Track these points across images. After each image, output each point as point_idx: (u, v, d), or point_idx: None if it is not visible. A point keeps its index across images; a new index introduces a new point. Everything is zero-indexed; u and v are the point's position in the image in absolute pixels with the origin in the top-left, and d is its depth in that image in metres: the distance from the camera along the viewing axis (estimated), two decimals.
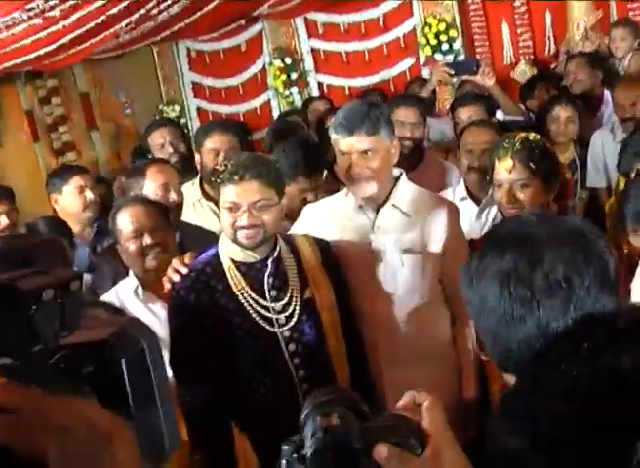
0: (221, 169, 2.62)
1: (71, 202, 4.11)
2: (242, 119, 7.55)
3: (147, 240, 2.97)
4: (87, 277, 3.54)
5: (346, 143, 2.76)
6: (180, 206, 3.50)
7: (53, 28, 4.81)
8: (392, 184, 2.89)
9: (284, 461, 1.04)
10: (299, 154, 3.43)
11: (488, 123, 3.95)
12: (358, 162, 2.76)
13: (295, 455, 1.03)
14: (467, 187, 3.66)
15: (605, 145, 4.51)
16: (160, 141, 4.51)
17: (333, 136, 2.82)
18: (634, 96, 4.36)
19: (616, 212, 3.12)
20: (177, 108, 8.20)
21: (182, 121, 8.01)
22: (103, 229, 4.01)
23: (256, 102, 7.97)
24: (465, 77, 5.24)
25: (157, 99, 8.27)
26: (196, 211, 3.91)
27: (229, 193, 2.58)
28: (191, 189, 3.93)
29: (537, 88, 5.64)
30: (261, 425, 2.66)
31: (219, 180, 2.60)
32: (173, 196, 3.44)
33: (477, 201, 3.59)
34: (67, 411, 0.54)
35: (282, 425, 2.63)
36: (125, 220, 3.01)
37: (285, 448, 1.05)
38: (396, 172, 2.93)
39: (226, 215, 2.61)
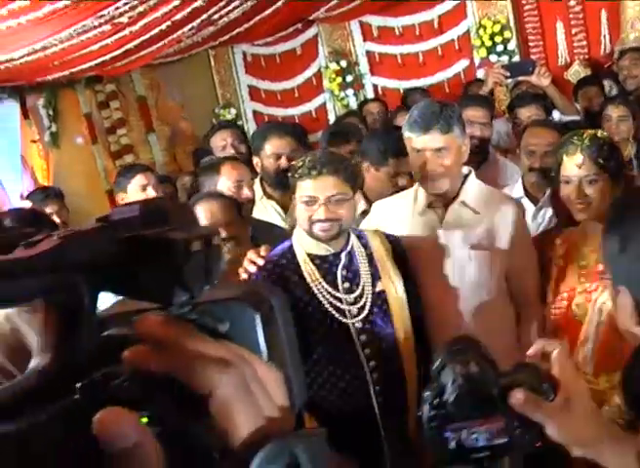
0: (299, 164, 2.72)
1: (135, 199, 4.19)
2: (297, 122, 7.60)
3: (222, 234, 3.06)
4: None
5: (421, 141, 2.85)
6: (252, 201, 3.60)
7: (120, 34, 4.96)
8: (461, 181, 2.97)
9: (426, 406, 1.12)
10: (387, 139, 3.56)
11: (550, 123, 3.99)
12: (432, 159, 2.84)
13: (436, 401, 1.11)
14: (525, 187, 3.70)
15: None
16: (222, 143, 4.64)
17: (407, 134, 2.91)
18: None
19: None
20: (233, 111, 8.31)
21: (238, 124, 8.13)
22: None
23: (311, 105, 8.06)
24: (521, 78, 5.27)
25: (213, 103, 8.40)
26: (258, 209, 4.01)
27: (307, 187, 2.68)
28: (257, 186, 4.04)
29: (586, 87, 5.64)
30: (332, 414, 2.75)
31: (296, 175, 2.70)
32: (246, 192, 3.55)
33: (534, 201, 3.63)
34: (224, 347, 0.57)
35: (352, 414, 2.76)
36: (200, 215, 3.09)
37: (426, 393, 1.13)
38: (465, 169, 3.01)
39: (303, 209, 2.71)
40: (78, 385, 0.50)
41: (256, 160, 4.13)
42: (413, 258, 2.95)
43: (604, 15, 6.84)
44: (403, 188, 3.48)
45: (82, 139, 7.63)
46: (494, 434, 1.11)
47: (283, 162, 3.90)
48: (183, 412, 0.53)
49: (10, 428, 0.45)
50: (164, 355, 0.53)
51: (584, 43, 6.96)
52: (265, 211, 3.99)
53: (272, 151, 4.02)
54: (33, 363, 0.52)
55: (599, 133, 2.84)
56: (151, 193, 4.17)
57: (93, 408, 0.47)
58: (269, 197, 4.04)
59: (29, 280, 0.48)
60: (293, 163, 2.81)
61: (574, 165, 2.76)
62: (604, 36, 6.88)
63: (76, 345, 0.52)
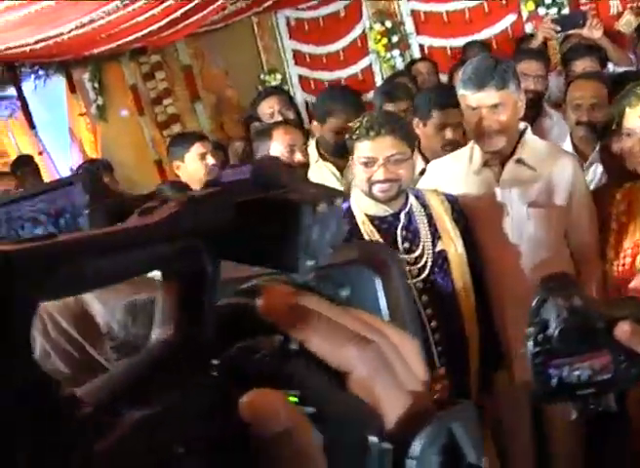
0: (356, 125, 2.71)
1: (195, 168, 4.21)
2: (344, 84, 7.55)
3: None
4: None
5: (476, 98, 2.81)
6: (306, 166, 3.61)
7: (166, 4, 4.96)
8: (517, 138, 2.93)
9: (530, 342, 1.08)
10: (431, 92, 3.64)
11: (596, 75, 3.90)
12: (488, 116, 2.80)
13: (540, 336, 1.08)
14: (573, 143, 3.64)
15: None
16: (269, 111, 4.63)
17: (461, 91, 2.87)
18: None
19: None
20: (278, 77, 8.26)
21: (284, 88, 8.11)
22: None
23: (357, 67, 7.95)
24: (572, 31, 5.16)
25: (258, 69, 8.35)
26: (313, 171, 4.02)
27: (365, 148, 2.67)
28: (312, 150, 4.04)
29: None
30: None
31: (354, 137, 2.69)
32: (299, 156, 3.55)
33: (584, 157, 3.57)
34: (359, 320, 0.53)
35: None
36: None
37: (530, 329, 1.09)
38: (521, 125, 2.97)
39: (361, 170, 2.71)
40: (215, 362, 0.46)
41: (315, 123, 4.14)
42: (471, 217, 2.94)
43: None
44: (452, 142, 3.52)
45: (128, 112, 7.71)
46: (597, 370, 1.08)
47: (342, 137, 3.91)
48: (334, 392, 0.48)
49: (144, 413, 0.40)
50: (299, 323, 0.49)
51: None
52: (321, 173, 4.00)
53: (333, 126, 4.01)
54: (153, 335, 0.48)
55: None
56: (210, 161, 4.18)
57: (233, 387, 0.43)
58: (325, 159, 4.05)
59: (148, 249, 0.44)
60: (350, 124, 2.79)
61: (636, 116, 2.70)
62: None
63: (201, 317, 0.48)
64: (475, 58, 2.95)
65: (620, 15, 6.69)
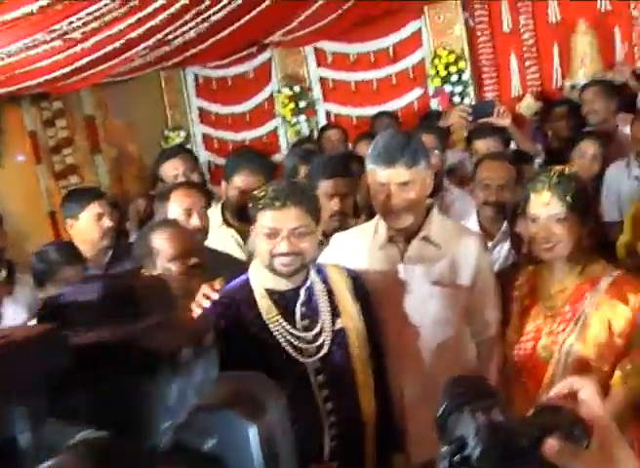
0: (261, 194, 2.58)
1: (89, 229, 4.00)
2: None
3: (193, 260, 2.90)
4: None
5: (385, 175, 2.73)
6: (204, 231, 3.47)
7: (71, 51, 4.78)
8: (424, 215, 2.87)
9: (445, 463, 0.96)
10: (321, 161, 3.68)
11: (503, 156, 3.92)
12: (396, 193, 2.73)
13: (457, 456, 0.95)
14: (480, 222, 3.63)
15: (620, 181, 4.48)
16: (173, 172, 4.46)
17: (370, 166, 2.79)
18: None
19: None
20: (182, 134, 8.18)
21: (187, 147, 7.99)
22: (119, 254, 3.96)
23: (263, 130, 7.93)
24: (482, 120, 5.22)
25: (162, 125, 8.26)
26: (216, 236, 3.88)
27: (269, 219, 2.55)
28: (211, 215, 3.91)
29: (557, 119, 5.62)
30: None
31: (258, 206, 2.57)
32: (195, 221, 3.41)
33: (489, 236, 3.55)
34: None
35: (308, 457, 2.62)
36: (164, 242, 2.93)
37: (444, 449, 0.97)
38: (428, 202, 2.92)
39: (264, 241, 2.57)
40: None
41: (224, 185, 4.03)
42: (373, 294, 2.85)
43: (556, 49, 6.84)
44: (339, 212, 3.49)
45: (24, 158, 7.41)
46: None
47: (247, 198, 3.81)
48: None
49: None
50: None
51: (537, 75, 6.96)
52: (223, 239, 3.87)
53: (239, 185, 3.91)
54: None
55: (567, 169, 2.76)
56: (107, 223, 3.98)
57: None
58: (229, 225, 3.91)
59: None
60: (254, 192, 2.67)
61: (541, 203, 2.67)
62: (556, 70, 6.89)
63: None
64: (387, 132, 2.88)
65: (520, 98, 6.89)
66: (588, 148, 4.54)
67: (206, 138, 8.23)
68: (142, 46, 5.19)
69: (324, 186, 3.52)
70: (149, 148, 7.50)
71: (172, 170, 4.48)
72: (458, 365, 2.91)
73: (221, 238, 3.85)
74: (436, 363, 2.87)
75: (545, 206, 2.66)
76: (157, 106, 8.27)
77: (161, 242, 2.95)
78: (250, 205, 2.63)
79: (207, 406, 0.50)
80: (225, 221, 3.91)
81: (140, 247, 3.00)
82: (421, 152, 2.76)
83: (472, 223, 3.63)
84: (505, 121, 4.90)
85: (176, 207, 3.45)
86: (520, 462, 0.95)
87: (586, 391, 1.04)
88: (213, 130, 8.20)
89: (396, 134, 2.88)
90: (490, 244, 3.51)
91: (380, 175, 2.74)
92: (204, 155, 8.02)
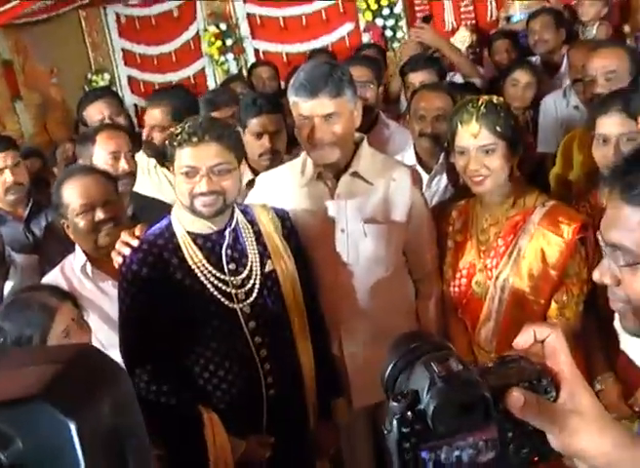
0: (177, 131, 2.42)
1: None
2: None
3: (100, 214, 2.78)
4: (20, 258, 3.29)
5: (308, 107, 2.59)
6: (132, 175, 3.33)
7: None
8: (353, 150, 2.75)
9: (396, 421, 0.84)
10: (249, 99, 3.52)
11: (440, 86, 3.79)
12: (321, 127, 2.60)
13: (409, 414, 0.84)
14: (417, 154, 3.53)
15: (558, 110, 4.41)
16: (98, 117, 4.23)
17: (292, 98, 2.64)
18: (587, 56, 4.23)
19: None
20: (106, 77, 7.93)
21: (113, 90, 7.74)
22: (40, 204, 3.78)
23: (190, 70, 7.71)
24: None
25: (85, 68, 7.98)
26: (151, 179, 3.72)
27: (186, 156, 2.39)
28: (143, 157, 3.74)
29: (498, 52, 5.52)
30: (222, 409, 2.54)
31: (174, 143, 2.40)
32: (124, 165, 3.27)
33: (427, 168, 3.46)
34: None
35: (244, 409, 2.54)
36: (73, 194, 2.80)
37: (395, 404, 0.84)
38: (357, 136, 2.79)
39: (183, 181, 2.42)
40: None
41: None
42: (304, 234, 2.74)
43: None
44: (270, 150, 3.40)
45: None
46: (482, 448, 0.86)
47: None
48: None
49: None
50: None
51: (471, 8, 6.86)
52: (159, 182, 3.72)
53: (149, 122, 3.80)
54: None
55: (495, 99, 2.65)
56: (8, 178, 3.65)
57: None
58: (163, 165, 3.73)
59: None
60: (171, 130, 2.51)
61: (469, 134, 2.57)
62: (490, 2, 6.81)
63: None
64: (309, 62, 2.75)
65: (454, 31, 6.78)
66: (521, 77, 4.46)
67: (131, 81, 7.98)
68: None
69: (253, 124, 3.39)
70: (73, 93, 7.22)
71: (96, 114, 4.26)
72: (396, 303, 2.87)
73: (157, 180, 3.71)
74: (374, 302, 2.81)
75: (474, 137, 2.56)
76: (79, 49, 7.99)
77: (69, 193, 2.82)
78: (167, 143, 2.47)
79: (8, 400, 0.37)
80: (159, 162, 3.73)
81: (55, 198, 2.87)
82: (347, 82, 2.62)
83: (409, 156, 3.54)
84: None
85: (101, 150, 3.31)
86: (480, 417, 0.85)
87: (552, 339, 0.94)
88: (138, 72, 7.95)
89: (319, 64, 2.74)
90: (427, 177, 3.41)
91: (303, 107, 2.60)
92: (130, 98, 7.77)
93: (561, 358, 0.93)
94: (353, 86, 2.68)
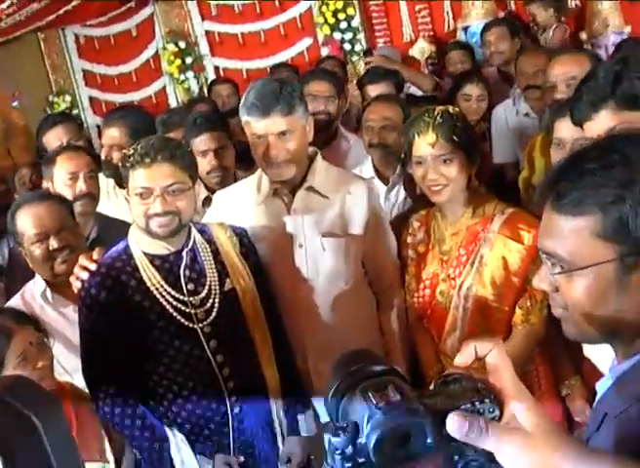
0: (130, 152, 2.40)
1: None
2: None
3: (54, 244, 2.74)
4: None
5: (261, 126, 2.60)
6: (91, 196, 3.30)
7: None
8: (307, 165, 2.76)
9: (338, 457, 0.82)
10: (195, 115, 3.57)
11: (391, 98, 3.81)
12: (275, 145, 2.60)
13: (350, 448, 0.81)
14: (375, 166, 3.54)
15: (509, 119, 4.43)
16: (57, 143, 4.21)
17: (245, 118, 2.64)
18: (538, 64, 4.22)
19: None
20: (68, 98, 7.90)
21: (75, 112, 7.69)
22: (3, 230, 3.74)
23: (150, 89, 7.70)
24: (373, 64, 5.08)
25: (46, 90, 7.95)
26: (110, 200, 3.69)
27: (140, 177, 2.37)
28: (102, 178, 3.71)
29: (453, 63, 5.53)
30: (188, 429, 2.52)
31: (127, 164, 2.39)
32: (81, 185, 3.24)
33: (384, 179, 3.47)
34: None
35: (210, 428, 2.51)
36: (27, 223, 2.77)
37: (335, 439, 0.81)
38: (310, 151, 2.79)
39: (137, 203, 2.40)
40: None
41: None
42: (263, 251, 2.73)
43: None
44: (216, 167, 3.41)
45: None
46: None
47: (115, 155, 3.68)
48: None
49: None
50: None
51: (428, 19, 6.90)
52: (118, 202, 3.70)
53: (105, 141, 3.78)
54: None
55: (451, 109, 2.66)
56: None
57: None
58: (121, 186, 3.70)
59: None
60: (124, 151, 2.49)
61: (426, 144, 2.58)
62: (447, 13, 6.85)
63: None
64: (259, 81, 2.73)
65: (413, 42, 6.82)
66: (472, 91, 4.47)
67: (93, 102, 7.95)
68: (7, 3, 4.84)
69: (196, 143, 3.41)
70: (35, 115, 7.14)
71: (55, 140, 4.25)
72: (357, 316, 2.86)
73: (116, 201, 3.70)
74: (335, 316, 2.80)
75: (432, 146, 2.57)
76: (39, 71, 7.97)
77: (22, 222, 2.79)
78: (120, 165, 2.45)
79: None
80: (118, 182, 3.71)
81: (10, 226, 2.84)
82: (297, 98, 2.63)
83: (367, 168, 3.55)
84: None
85: (60, 171, 3.30)
86: (422, 446, 0.83)
87: (494, 355, 0.93)
88: (99, 92, 7.93)
89: (269, 81, 2.73)
90: (385, 188, 3.43)
91: (256, 126, 2.61)
92: (92, 119, 7.73)
93: (504, 374, 0.91)
94: (304, 101, 2.69)
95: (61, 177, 3.27)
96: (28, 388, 0.64)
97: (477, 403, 0.87)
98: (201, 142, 3.40)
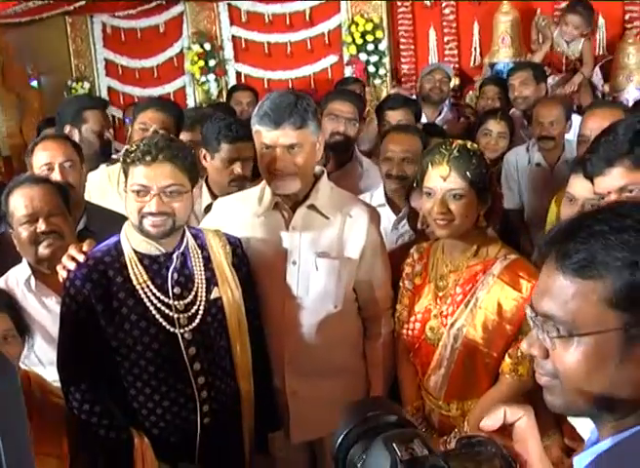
0: (132, 148, 2.37)
1: None
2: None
3: (42, 226, 2.71)
4: None
5: (271, 136, 2.56)
6: (70, 186, 3.19)
7: None
8: (312, 183, 2.72)
9: None
10: (222, 123, 3.42)
11: (412, 128, 3.76)
12: (283, 157, 2.56)
13: None
14: (387, 194, 3.49)
15: (519, 166, 4.38)
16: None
17: (256, 127, 2.61)
18: (554, 114, 4.20)
19: None
20: (86, 85, 7.87)
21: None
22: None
23: (170, 87, 7.68)
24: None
25: (66, 74, 7.92)
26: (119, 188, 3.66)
27: (139, 175, 2.34)
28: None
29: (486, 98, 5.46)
30: (155, 434, 2.48)
31: (128, 160, 2.36)
32: (56, 176, 3.17)
33: (396, 209, 3.43)
34: None
35: (177, 436, 2.45)
36: (18, 204, 2.75)
37: None
38: (317, 169, 2.75)
39: (133, 199, 2.37)
40: None
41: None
42: (254, 263, 2.70)
43: (476, 27, 6.79)
44: (240, 177, 3.35)
45: None
46: None
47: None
48: None
49: None
50: None
51: (455, 52, 6.90)
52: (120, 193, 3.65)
53: (144, 120, 3.80)
54: None
55: (469, 144, 2.60)
56: None
57: None
58: None
59: None
60: (126, 147, 2.46)
61: (438, 176, 2.52)
62: (475, 48, 6.84)
63: None
64: (275, 92, 2.70)
65: None
66: (493, 127, 4.45)
67: (111, 92, 7.93)
68: None
69: (225, 150, 3.35)
70: (52, 99, 7.16)
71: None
72: (341, 340, 2.83)
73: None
74: (319, 337, 2.77)
75: (443, 179, 2.51)
76: (62, 55, 7.93)
77: (15, 203, 2.76)
78: (121, 160, 2.41)
79: None
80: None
81: (3, 206, 2.82)
82: (311, 114, 2.59)
83: (379, 195, 3.52)
84: None
85: (37, 162, 3.26)
86: None
87: (523, 423, 0.88)
88: (119, 83, 7.91)
89: (285, 93, 2.69)
90: (394, 218, 3.40)
91: (267, 136, 2.57)
92: (108, 110, 7.67)
93: (532, 446, 0.87)
94: (317, 119, 2.65)
95: (38, 168, 3.23)
96: None
97: (496, 465, 0.84)
98: (233, 150, 3.35)
